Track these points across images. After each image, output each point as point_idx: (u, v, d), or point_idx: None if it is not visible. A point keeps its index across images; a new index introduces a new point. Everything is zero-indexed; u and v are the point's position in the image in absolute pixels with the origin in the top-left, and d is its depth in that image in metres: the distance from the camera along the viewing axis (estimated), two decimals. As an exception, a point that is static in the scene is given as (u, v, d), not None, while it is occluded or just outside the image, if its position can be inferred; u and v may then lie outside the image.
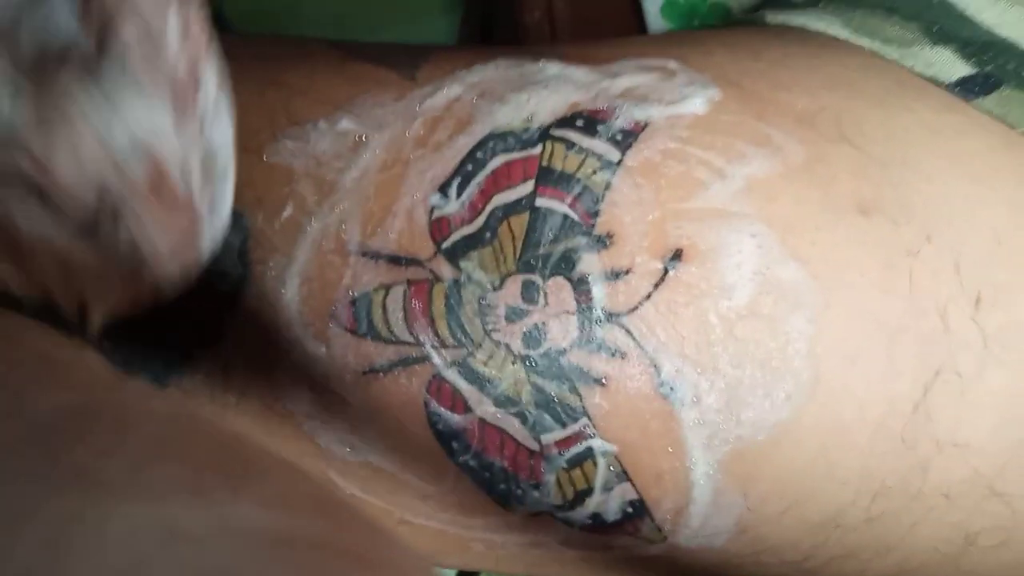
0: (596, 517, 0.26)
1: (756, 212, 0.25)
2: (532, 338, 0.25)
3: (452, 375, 0.25)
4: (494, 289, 0.25)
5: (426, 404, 0.25)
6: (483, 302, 0.25)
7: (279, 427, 0.27)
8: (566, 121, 0.26)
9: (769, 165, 0.26)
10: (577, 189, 0.25)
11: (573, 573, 0.29)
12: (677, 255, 0.25)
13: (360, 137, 0.27)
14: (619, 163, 0.25)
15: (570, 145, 0.26)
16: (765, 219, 0.25)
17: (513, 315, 0.25)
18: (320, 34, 0.32)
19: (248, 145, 0.27)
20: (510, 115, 0.26)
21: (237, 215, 0.26)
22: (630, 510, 0.25)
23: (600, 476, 0.25)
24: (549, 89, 0.26)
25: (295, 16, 0.44)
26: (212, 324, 0.26)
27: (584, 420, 0.25)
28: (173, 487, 0.12)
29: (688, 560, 0.27)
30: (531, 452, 0.25)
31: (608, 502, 0.25)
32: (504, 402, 0.25)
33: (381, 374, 0.25)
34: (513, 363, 0.25)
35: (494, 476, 0.25)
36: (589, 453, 0.25)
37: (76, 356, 0.14)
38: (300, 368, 0.26)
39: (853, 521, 0.26)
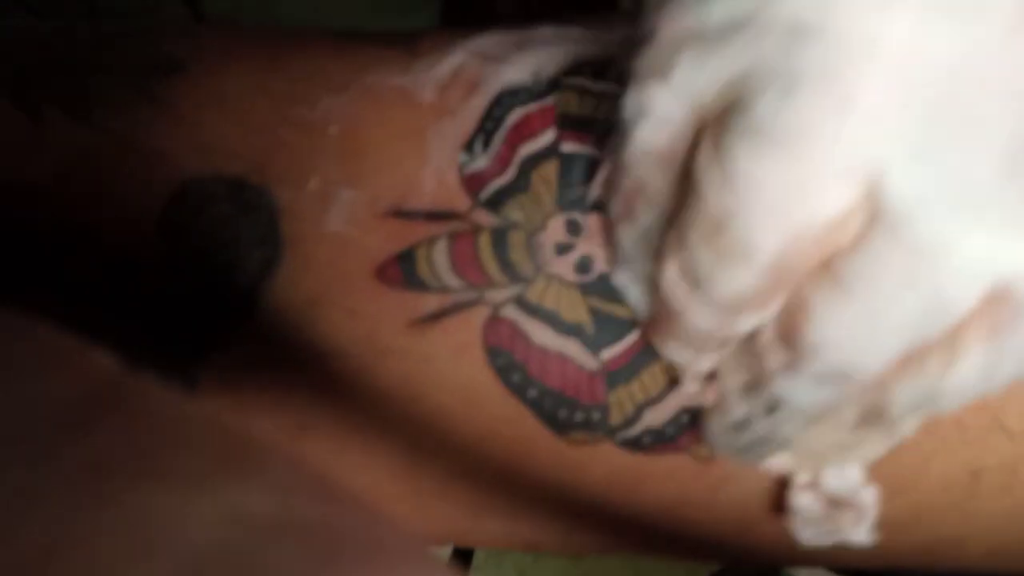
0: (653, 433, 0.27)
1: None
2: (583, 266, 0.27)
3: (509, 311, 0.27)
4: (539, 230, 0.27)
5: (485, 343, 0.27)
6: (530, 241, 0.27)
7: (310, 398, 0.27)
8: (573, 70, 0.28)
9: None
10: (599, 130, 0.28)
11: (605, 541, 0.30)
12: None
13: (372, 111, 0.28)
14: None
15: (583, 91, 0.28)
16: None
17: (562, 250, 0.27)
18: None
19: (257, 127, 0.28)
20: (517, 72, 0.28)
21: (263, 191, 0.27)
22: (685, 419, 0.27)
23: (656, 384, 0.27)
24: (549, 46, 0.29)
25: (272, 14, 0.45)
26: (244, 299, 0.27)
27: (637, 331, 0.27)
28: (179, 474, 0.12)
29: (730, 498, 0.28)
30: (591, 373, 0.27)
31: (664, 412, 0.27)
32: (563, 327, 0.27)
33: (435, 321, 0.27)
34: (569, 290, 0.27)
35: (555, 404, 0.27)
36: (645, 361, 0.27)
37: (84, 352, 0.14)
38: (346, 331, 0.27)
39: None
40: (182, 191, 0.28)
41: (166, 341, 0.27)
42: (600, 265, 0.27)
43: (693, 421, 0.27)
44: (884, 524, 0.27)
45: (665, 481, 0.28)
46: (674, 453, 0.28)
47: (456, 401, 0.27)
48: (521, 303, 0.27)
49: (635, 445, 0.28)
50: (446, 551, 0.48)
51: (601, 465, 0.28)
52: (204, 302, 0.27)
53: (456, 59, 0.29)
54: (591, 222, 0.27)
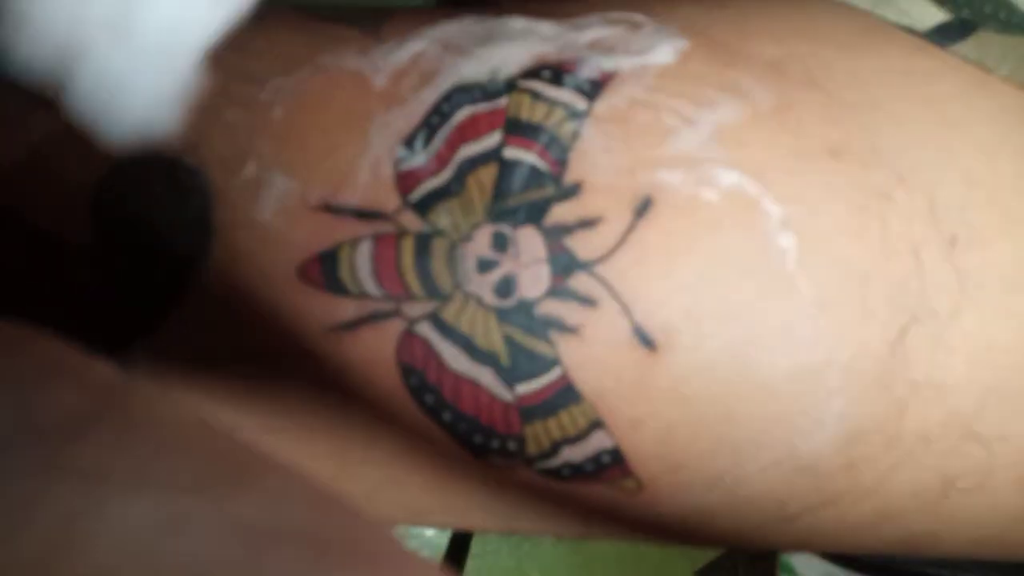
0: (572, 467, 0.26)
1: (727, 158, 0.25)
2: (503, 288, 0.25)
3: (424, 329, 0.25)
4: (463, 240, 0.25)
5: (398, 359, 0.25)
6: (453, 253, 0.25)
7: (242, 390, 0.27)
8: (532, 73, 0.26)
9: (738, 111, 0.26)
10: (545, 139, 0.25)
11: (552, 528, 0.29)
12: (647, 203, 0.25)
13: (321, 93, 0.26)
14: (587, 112, 0.25)
15: (536, 96, 0.25)
16: (736, 165, 0.25)
17: (484, 266, 0.25)
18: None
19: (206, 104, 0.26)
20: (475, 68, 0.26)
21: (197, 173, 0.26)
22: (607, 459, 0.25)
23: (575, 425, 0.25)
24: (514, 43, 0.26)
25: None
26: (173, 284, 0.26)
27: (558, 369, 0.25)
28: (176, 484, 0.12)
29: (664, 513, 0.27)
30: (506, 404, 0.25)
31: (584, 451, 0.25)
32: (477, 354, 0.25)
33: (350, 330, 0.25)
34: (485, 314, 0.25)
35: (470, 429, 0.25)
36: (564, 402, 0.25)
37: (85, 362, 0.14)
38: (266, 331, 0.26)
39: (829, 467, 0.26)
40: (116, 170, 0.26)
41: (90, 329, 0.27)
42: (524, 290, 0.25)
43: (615, 459, 0.25)
44: (852, 525, 0.27)
45: (592, 502, 0.27)
46: (596, 485, 0.26)
47: (375, 413, 0.26)
48: (436, 321, 0.25)
49: (555, 475, 0.26)
50: (443, 538, 0.48)
51: (524, 485, 0.27)
52: (130, 289, 0.26)
53: (417, 46, 0.26)
54: (522, 238, 0.25)
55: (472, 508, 0.28)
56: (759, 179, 0.25)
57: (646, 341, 0.25)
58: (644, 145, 0.25)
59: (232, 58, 0.27)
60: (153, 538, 0.11)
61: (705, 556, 0.47)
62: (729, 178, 0.25)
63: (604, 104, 0.25)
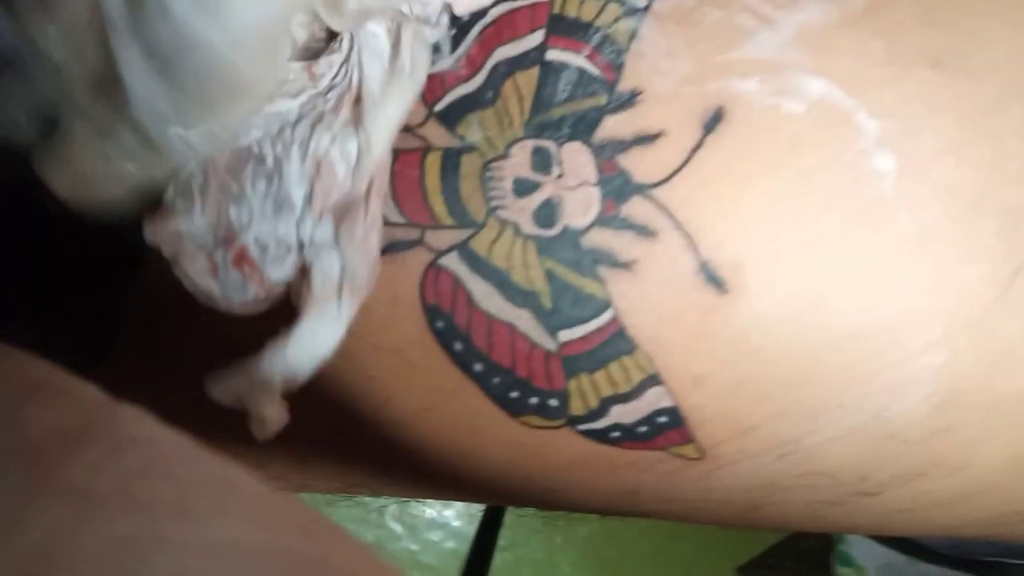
0: (623, 429, 0.22)
1: (812, 64, 0.21)
2: (545, 215, 0.21)
3: (451, 261, 0.21)
4: (498, 158, 0.21)
5: (422, 297, 0.21)
6: (486, 173, 0.21)
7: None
8: None
9: (825, 10, 0.22)
10: (597, 39, 0.21)
11: (596, 502, 0.26)
12: (718, 115, 0.21)
13: None
14: (646, 8, 0.21)
15: None
16: (822, 72, 0.21)
17: (522, 188, 0.21)
18: None
19: None
20: None
21: None
22: (664, 420, 0.22)
23: (628, 379, 0.21)
24: None
25: None
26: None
27: (609, 312, 0.21)
28: (160, 503, 0.12)
29: (725, 484, 0.23)
30: (547, 353, 0.21)
31: (638, 410, 0.22)
32: (514, 293, 0.21)
33: None
34: (524, 245, 0.21)
35: (505, 383, 0.22)
36: (614, 352, 0.21)
37: (70, 383, 0.14)
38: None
39: (920, 433, 0.22)
40: None
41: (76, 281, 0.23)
42: (569, 217, 0.21)
43: (673, 421, 0.22)
44: (940, 501, 0.24)
45: (643, 471, 0.23)
46: (651, 451, 0.23)
47: (393, 364, 0.22)
48: (466, 253, 0.21)
49: (602, 437, 0.22)
50: (471, 526, 0.45)
51: (562, 451, 0.23)
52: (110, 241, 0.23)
53: None
54: (568, 155, 0.21)
55: (504, 478, 0.24)
56: (851, 90, 0.21)
57: (713, 280, 0.21)
58: (714, 48, 0.21)
59: None
60: (136, 558, 0.11)
61: (747, 552, 0.43)
62: (816, 87, 0.21)
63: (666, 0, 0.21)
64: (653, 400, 0.21)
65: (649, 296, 0.21)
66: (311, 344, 0.21)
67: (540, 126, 0.21)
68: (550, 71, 0.21)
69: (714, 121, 0.21)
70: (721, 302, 0.21)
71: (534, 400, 0.22)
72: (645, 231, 0.21)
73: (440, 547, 0.49)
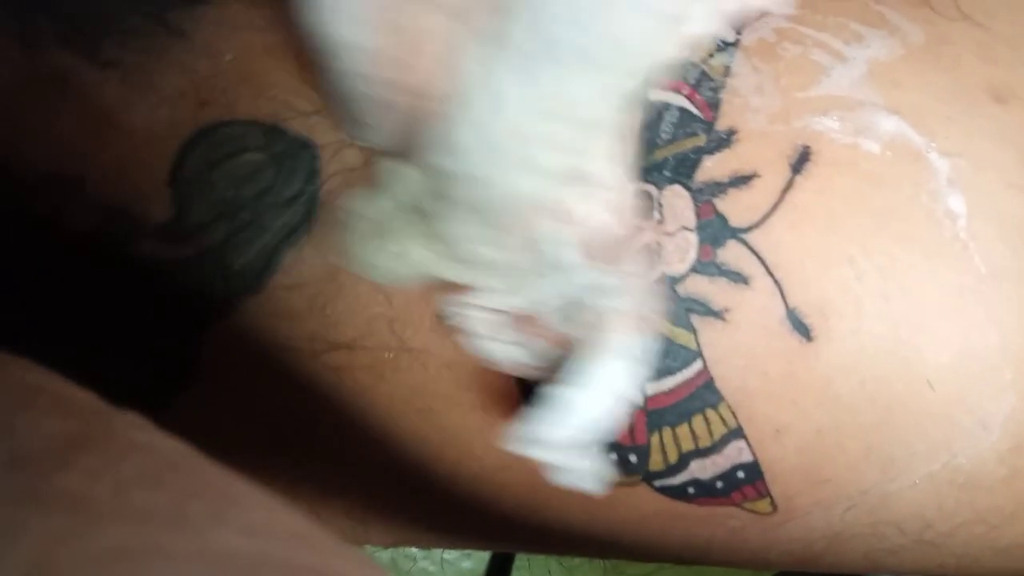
0: (699, 485, 0.21)
1: (884, 100, 0.21)
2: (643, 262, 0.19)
3: None
4: None
5: None
6: None
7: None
8: None
9: (889, 47, 0.21)
10: (695, 75, 0.20)
11: (666, 557, 0.24)
12: (805, 155, 0.20)
13: None
14: (736, 43, 0.20)
15: None
16: (895, 109, 0.21)
17: None
18: None
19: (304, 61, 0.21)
20: None
21: (302, 141, 0.21)
22: (741, 475, 0.21)
23: (710, 434, 0.20)
24: None
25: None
26: (258, 267, 0.21)
27: (698, 363, 0.20)
28: (158, 511, 0.12)
29: (792, 536, 0.23)
30: (633, 407, 0.20)
31: (717, 466, 0.20)
32: None
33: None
34: None
35: (584, 440, 0.20)
36: (700, 405, 0.20)
37: (67, 388, 0.13)
38: (367, 311, 0.21)
39: (990, 479, 0.22)
40: (204, 134, 0.21)
41: (163, 314, 0.21)
42: (668, 264, 0.19)
43: (751, 476, 0.21)
44: (1004, 547, 0.23)
45: (713, 528, 0.22)
46: (724, 507, 0.21)
47: (474, 422, 0.21)
48: None
49: (678, 493, 0.21)
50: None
51: (634, 506, 0.22)
52: (210, 271, 0.21)
53: None
54: (668, 199, 0.20)
55: (571, 532, 0.23)
56: (920, 127, 0.21)
57: (800, 328, 0.20)
58: (796, 85, 0.20)
59: None
60: (134, 567, 0.11)
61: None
62: (889, 124, 0.21)
63: (751, 33, 0.20)
64: (733, 455, 0.20)
65: (738, 345, 0.20)
66: (610, 383, 0.19)
67: (642, 169, 0.20)
68: (652, 112, 0.20)
69: (802, 161, 0.20)
70: (806, 349, 0.20)
71: (613, 456, 0.20)
72: (739, 277, 0.19)
73: (456, 566, 0.47)
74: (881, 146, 0.20)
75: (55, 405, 0.13)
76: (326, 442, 0.22)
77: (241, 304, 0.21)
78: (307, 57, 0.20)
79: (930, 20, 0.22)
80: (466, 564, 0.47)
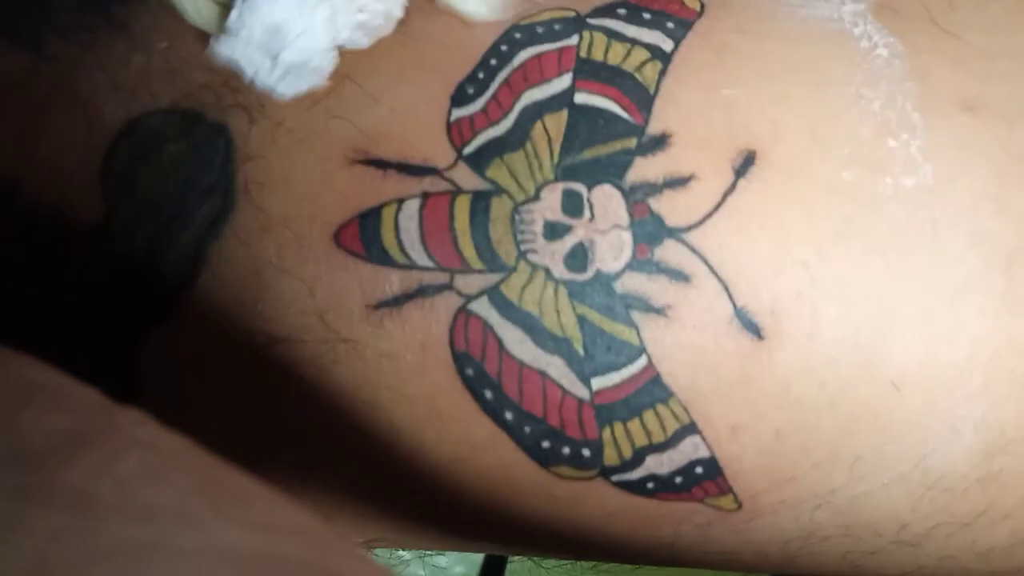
0: (658, 480, 0.21)
1: None
2: (577, 259, 0.20)
3: (481, 307, 0.21)
4: (528, 201, 0.21)
5: (451, 344, 0.21)
6: (516, 216, 0.21)
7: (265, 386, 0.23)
8: (604, 10, 0.22)
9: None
10: (625, 82, 0.21)
11: (630, 554, 0.25)
12: (750, 159, 0.20)
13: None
14: (673, 52, 0.21)
15: (612, 34, 0.21)
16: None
17: (553, 232, 0.21)
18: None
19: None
20: (536, 5, 0.22)
21: (217, 126, 0.22)
22: (700, 471, 0.21)
23: (663, 429, 0.21)
24: None
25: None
26: (189, 259, 0.22)
27: (643, 359, 0.20)
28: (160, 508, 0.12)
29: (763, 535, 0.23)
30: (580, 401, 0.21)
31: (673, 461, 0.21)
32: (546, 339, 0.21)
33: (395, 308, 0.21)
34: (555, 290, 0.21)
35: (536, 433, 0.21)
36: (649, 400, 0.21)
37: (68, 384, 0.14)
38: (294, 311, 0.22)
39: (963, 482, 0.21)
40: (127, 130, 0.22)
41: (94, 323, 0.22)
42: (602, 261, 0.20)
43: (710, 472, 0.21)
44: (981, 552, 0.23)
45: (678, 523, 0.23)
46: (687, 502, 0.22)
47: (421, 414, 0.22)
48: (496, 298, 0.21)
49: (636, 488, 0.22)
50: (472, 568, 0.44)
51: (595, 502, 0.22)
52: (142, 273, 0.22)
53: None
54: (599, 198, 0.21)
55: (536, 530, 0.24)
56: (888, 134, 0.21)
57: (751, 327, 0.20)
58: (745, 89, 0.21)
59: None
60: (137, 564, 0.11)
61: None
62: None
63: (693, 41, 0.21)
64: (689, 450, 0.21)
65: (684, 343, 0.20)
66: None
67: (570, 169, 0.21)
68: (579, 114, 0.21)
69: (746, 165, 0.20)
70: (759, 349, 0.20)
71: (566, 450, 0.21)
72: (679, 275, 0.20)
73: (449, 571, 0.48)
74: (842, 154, 0.21)
75: (56, 401, 0.13)
76: (281, 442, 0.23)
77: (175, 305, 0.22)
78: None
79: (897, 28, 0.22)
80: (458, 569, 0.48)
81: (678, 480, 0.21)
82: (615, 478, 0.21)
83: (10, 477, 0.12)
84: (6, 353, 0.14)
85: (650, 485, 0.21)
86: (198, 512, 0.12)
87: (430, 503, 0.23)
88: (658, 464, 0.21)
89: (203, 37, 0.22)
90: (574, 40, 0.22)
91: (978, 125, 0.21)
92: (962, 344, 0.21)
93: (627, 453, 0.21)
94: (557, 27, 0.22)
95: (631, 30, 0.21)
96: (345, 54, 0.22)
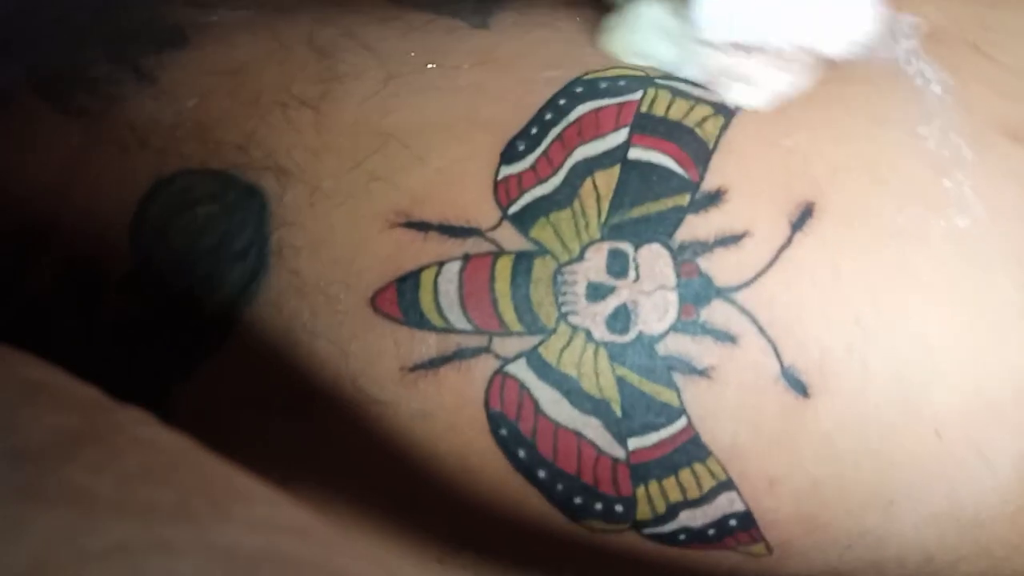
0: (690, 532, 0.21)
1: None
2: (619, 320, 0.20)
3: (518, 369, 0.20)
4: (572, 261, 0.20)
5: (486, 405, 0.20)
6: (559, 277, 0.20)
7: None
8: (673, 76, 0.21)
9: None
10: (684, 136, 0.20)
11: None
12: (808, 211, 0.19)
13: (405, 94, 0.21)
14: (736, 109, 0.20)
15: (677, 92, 0.20)
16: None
17: (596, 293, 0.20)
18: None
19: (256, 107, 0.21)
20: (604, 59, 0.21)
21: (251, 188, 0.21)
22: (733, 523, 0.21)
23: (699, 486, 0.20)
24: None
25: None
26: (221, 320, 0.21)
27: (683, 420, 0.20)
28: (161, 507, 0.12)
29: (793, 574, 0.22)
30: (615, 461, 0.20)
31: (707, 515, 0.21)
32: (583, 401, 0.20)
33: (430, 371, 0.20)
34: (595, 352, 0.20)
35: (569, 490, 0.20)
36: (686, 459, 0.20)
37: (69, 383, 0.13)
38: (330, 374, 0.21)
39: (992, 516, 0.21)
40: (159, 187, 0.21)
41: (129, 368, 0.22)
42: (645, 323, 0.19)
43: (743, 524, 0.21)
44: None
45: (708, 569, 0.22)
46: (718, 551, 0.22)
47: (453, 468, 0.21)
48: (534, 360, 0.20)
49: (668, 540, 0.21)
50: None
51: (625, 553, 0.22)
52: (175, 322, 0.21)
53: (533, 34, 0.22)
54: (646, 258, 0.19)
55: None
56: (941, 173, 0.20)
57: (797, 386, 0.20)
58: (801, 142, 0.20)
59: (300, 51, 0.22)
60: (137, 562, 0.11)
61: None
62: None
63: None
64: (724, 505, 0.20)
65: (726, 403, 0.20)
66: None
67: (617, 228, 0.20)
68: (632, 169, 0.20)
69: (803, 218, 0.19)
70: (804, 406, 0.20)
71: (599, 506, 0.21)
72: (725, 337, 0.19)
73: None
74: (900, 196, 0.20)
75: (58, 400, 0.13)
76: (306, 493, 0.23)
77: (203, 364, 0.21)
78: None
79: (949, 60, 0.21)
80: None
81: (711, 532, 0.21)
82: (647, 531, 0.21)
83: (11, 475, 0.12)
84: (6, 352, 0.14)
85: (682, 537, 0.21)
86: (198, 510, 0.12)
87: (456, 552, 0.23)
88: (691, 518, 0.21)
89: (236, 92, 0.21)
90: (637, 95, 0.20)
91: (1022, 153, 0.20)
92: (1007, 384, 0.20)
93: (660, 509, 0.21)
94: (622, 83, 0.21)
95: (697, 91, 0.21)
96: (391, 113, 0.21)
